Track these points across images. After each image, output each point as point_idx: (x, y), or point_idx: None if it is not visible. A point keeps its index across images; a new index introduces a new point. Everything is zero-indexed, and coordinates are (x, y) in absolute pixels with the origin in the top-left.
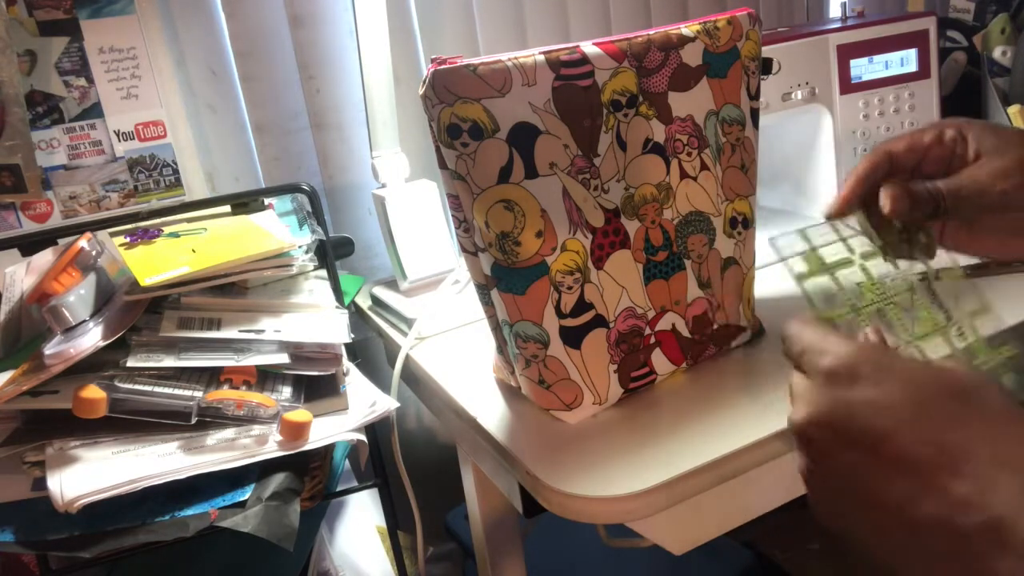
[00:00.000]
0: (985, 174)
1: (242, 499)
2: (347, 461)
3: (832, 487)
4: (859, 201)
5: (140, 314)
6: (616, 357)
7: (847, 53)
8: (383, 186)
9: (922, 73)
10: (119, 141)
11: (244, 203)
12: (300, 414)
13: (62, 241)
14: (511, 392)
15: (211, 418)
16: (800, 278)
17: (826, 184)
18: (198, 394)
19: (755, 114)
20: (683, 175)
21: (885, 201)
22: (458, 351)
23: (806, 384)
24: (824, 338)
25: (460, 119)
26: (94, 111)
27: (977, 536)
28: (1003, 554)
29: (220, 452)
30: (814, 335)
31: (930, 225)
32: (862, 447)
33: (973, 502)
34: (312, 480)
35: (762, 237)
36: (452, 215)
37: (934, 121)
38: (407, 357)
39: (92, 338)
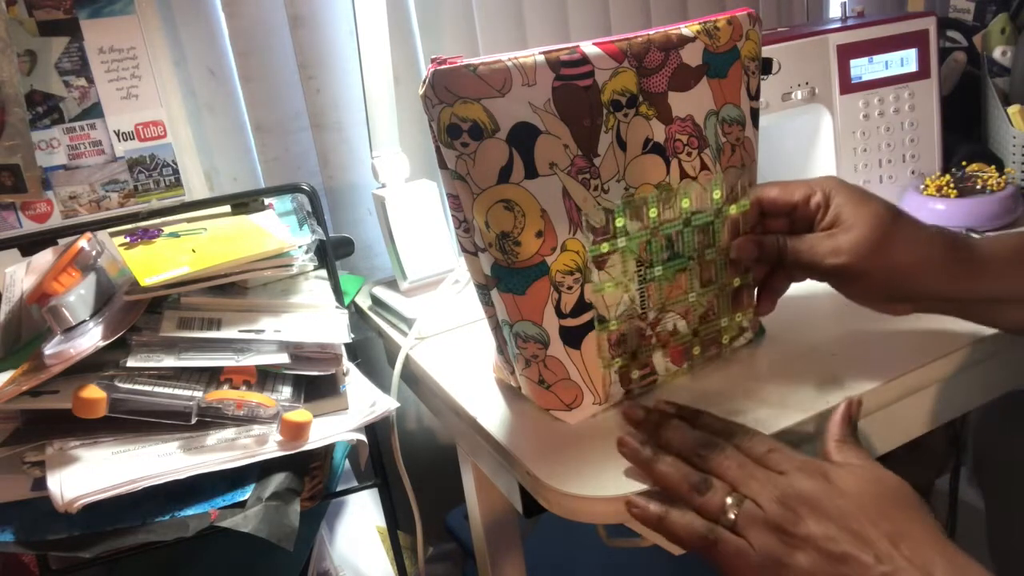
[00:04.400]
0: (824, 248)
1: (242, 499)
2: (347, 461)
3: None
4: None
5: (140, 314)
6: (616, 357)
7: (847, 53)
8: (383, 186)
9: (922, 73)
10: (119, 141)
11: (244, 203)
12: (300, 414)
13: (62, 241)
14: (511, 392)
15: (211, 418)
16: None
17: None
18: (198, 394)
19: (755, 114)
20: (683, 175)
21: (735, 247)
22: (458, 351)
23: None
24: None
25: (460, 119)
26: (94, 111)
27: None
28: None
29: (220, 452)
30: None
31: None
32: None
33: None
34: (312, 480)
35: None
36: (452, 215)
37: (812, 179)
38: (407, 357)
39: (92, 338)
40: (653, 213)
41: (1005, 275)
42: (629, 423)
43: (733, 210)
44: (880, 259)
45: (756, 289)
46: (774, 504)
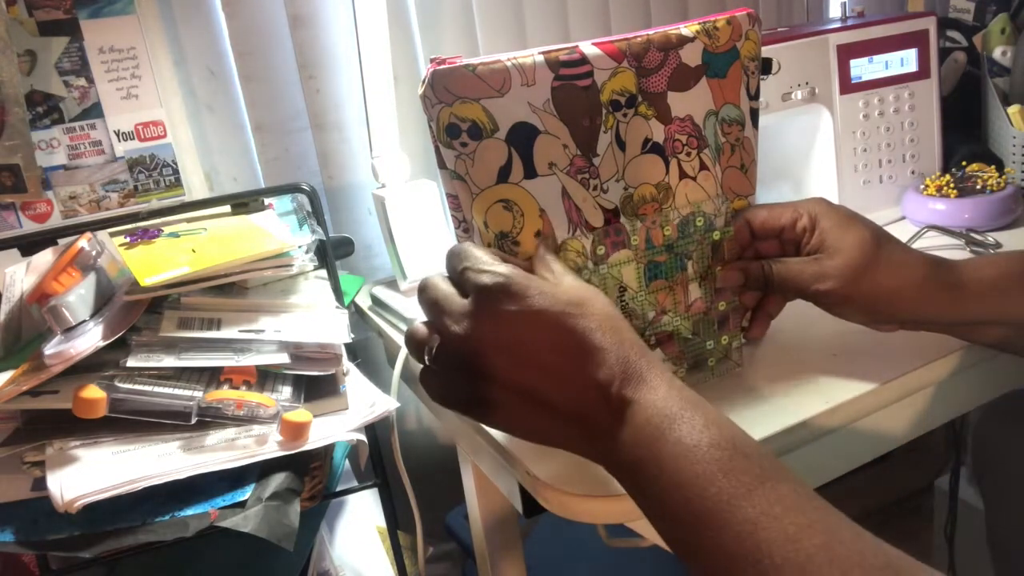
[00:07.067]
0: (809, 273)
1: (242, 499)
2: (347, 461)
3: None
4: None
5: (140, 314)
6: None
7: (847, 53)
8: (383, 186)
9: (922, 73)
10: (119, 141)
11: (244, 203)
12: (300, 414)
13: (62, 241)
14: None
15: (211, 418)
16: None
17: (826, 184)
18: (198, 394)
19: (755, 114)
20: (682, 175)
21: (721, 277)
22: None
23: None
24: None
25: (459, 119)
26: (94, 111)
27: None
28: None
29: (220, 452)
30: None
31: None
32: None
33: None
34: (312, 480)
35: None
36: (451, 215)
37: (799, 201)
38: (407, 357)
39: (92, 338)
40: (635, 241)
41: (987, 299)
42: None
43: (716, 236)
44: (864, 284)
45: (749, 312)
46: (456, 341)
